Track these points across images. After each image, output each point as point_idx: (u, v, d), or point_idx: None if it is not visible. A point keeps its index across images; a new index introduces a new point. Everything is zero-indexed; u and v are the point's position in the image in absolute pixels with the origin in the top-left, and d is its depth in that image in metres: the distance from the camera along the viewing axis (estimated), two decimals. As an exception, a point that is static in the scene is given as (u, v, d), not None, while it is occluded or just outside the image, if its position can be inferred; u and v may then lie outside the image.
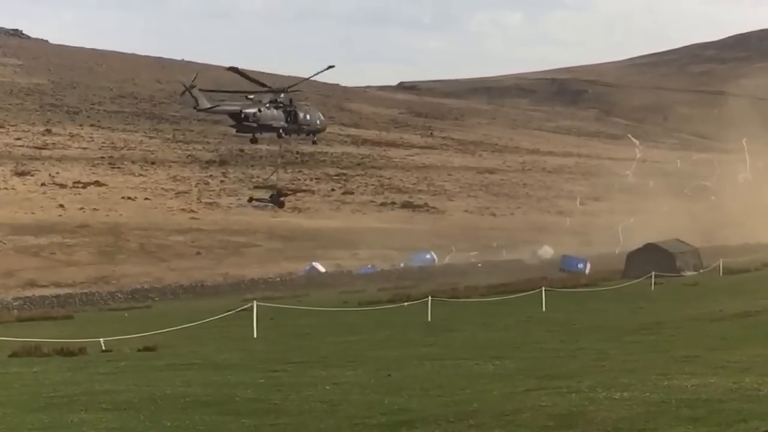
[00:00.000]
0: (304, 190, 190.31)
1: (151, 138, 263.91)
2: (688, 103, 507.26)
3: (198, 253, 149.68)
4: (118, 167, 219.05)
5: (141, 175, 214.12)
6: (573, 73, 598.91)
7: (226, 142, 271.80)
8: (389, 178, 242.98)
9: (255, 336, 52.78)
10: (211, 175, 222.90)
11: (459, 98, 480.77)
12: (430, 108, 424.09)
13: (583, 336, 45.34)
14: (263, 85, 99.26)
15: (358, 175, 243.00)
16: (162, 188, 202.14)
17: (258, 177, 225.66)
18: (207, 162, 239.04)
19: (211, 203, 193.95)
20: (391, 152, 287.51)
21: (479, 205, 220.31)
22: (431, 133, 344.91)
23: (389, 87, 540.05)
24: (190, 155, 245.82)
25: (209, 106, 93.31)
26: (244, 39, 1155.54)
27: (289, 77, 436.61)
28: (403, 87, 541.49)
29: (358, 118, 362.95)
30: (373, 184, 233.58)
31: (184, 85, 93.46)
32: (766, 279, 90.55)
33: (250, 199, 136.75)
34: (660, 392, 22.71)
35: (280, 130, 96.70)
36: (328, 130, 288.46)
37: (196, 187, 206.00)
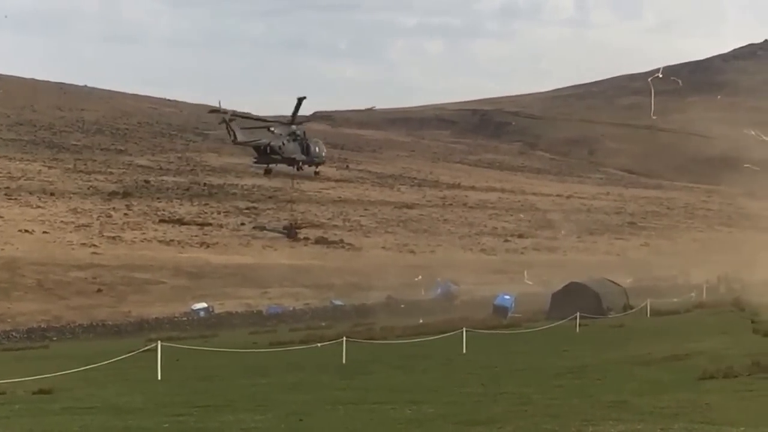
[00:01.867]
0: (316, 225, 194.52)
1: (50, 168, 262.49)
2: (616, 137, 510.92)
3: (99, 291, 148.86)
4: (15, 198, 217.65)
5: (39, 206, 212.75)
6: (496, 104, 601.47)
7: (130, 173, 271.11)
8: (302, 213, 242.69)
9: (159, 378, 52.59)
10: (114, 208, 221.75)
11: (376, 129, 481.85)
12: (346, 139, 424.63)
13: (505, 379, 45.57)
14: (292, 119, 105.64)
15: (269, 209, 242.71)
16: (61, 221, 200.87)
17: (164, 210, 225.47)
18: (110, 194, 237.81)
19: (113, 237, 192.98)
20: (305, 185, 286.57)
21: (397, 242, 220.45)
22: (347, 166, 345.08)
23: (303, 116, 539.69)
24: (91, 186, 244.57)
25: (246, 140, 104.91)
26: (151, 65, 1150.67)
27: (198, 105, 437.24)
28: (317, 116, 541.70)
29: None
30: (285, 219, 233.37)
31: (224, 119, 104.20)
32: (696, 321, 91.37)
33: (261, 228, 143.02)
34: (585, 439, 22.85)
35: (300, 162, 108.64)
36: (237, 160, 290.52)
37: (97, 220, 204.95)
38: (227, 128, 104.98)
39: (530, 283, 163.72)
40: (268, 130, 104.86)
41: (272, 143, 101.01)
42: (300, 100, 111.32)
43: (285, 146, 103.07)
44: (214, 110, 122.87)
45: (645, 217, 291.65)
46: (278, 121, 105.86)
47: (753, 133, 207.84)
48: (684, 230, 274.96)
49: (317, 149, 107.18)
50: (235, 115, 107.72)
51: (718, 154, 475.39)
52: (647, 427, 24.38)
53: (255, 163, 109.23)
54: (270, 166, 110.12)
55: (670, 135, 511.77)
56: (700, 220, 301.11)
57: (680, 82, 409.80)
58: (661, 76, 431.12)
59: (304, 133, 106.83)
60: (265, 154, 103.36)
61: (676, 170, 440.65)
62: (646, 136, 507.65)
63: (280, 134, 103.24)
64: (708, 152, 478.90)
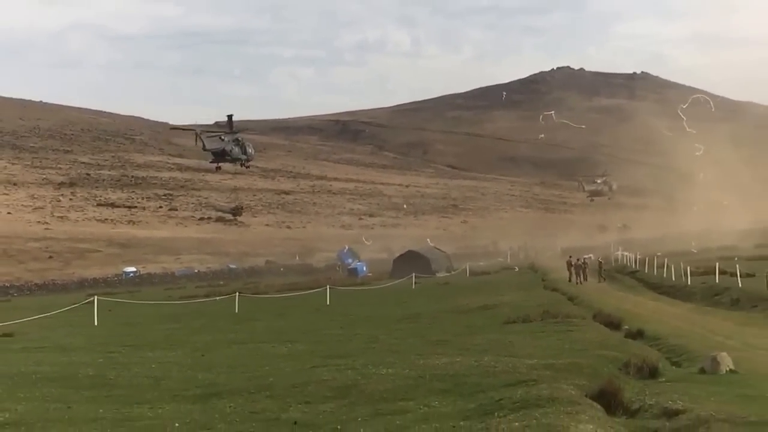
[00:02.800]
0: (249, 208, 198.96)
1: (13, 164, 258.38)
2: (443, 141, 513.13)
3: (50, 257, 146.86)
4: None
5: (5, 194, 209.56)
6: (353, 116, 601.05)
7: (75, 168, 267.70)
8: (206, 198, 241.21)
9: (96, 324, 51.93)
10: (62, 194, 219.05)
11: (262, 135, 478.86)
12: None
13: (358, 324, 45.43)
14: (230, 129, 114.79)
15: (181, 195, 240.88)
16: (22, 205, 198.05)
17: (101, 196, 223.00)
18: (59, 184, 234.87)
19: (61, 217, 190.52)
20: (208, 177, 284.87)
21: (277, 220, 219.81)
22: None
23: (207, 125, 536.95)
24: (45, 178, 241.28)
25: (210, 147, 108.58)
26: (91, 84, 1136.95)
27: (128, 116, 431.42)
28: (218, 125, 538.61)
29: (182, 149, 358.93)
30: (193, 203, 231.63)
31: (196, 132, 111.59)
32: (503, 280, 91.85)
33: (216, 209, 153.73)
34: (418, 369, 22.81)
35: (242, 161, 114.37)
36: (157, 158, 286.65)
37: (50, 204, 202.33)
38: (197, 139, 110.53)
39: (368, 242, 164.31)
40: (220, 138, 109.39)
41: (225, 148, 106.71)
42: (230, 117, 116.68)
43: (233, 150, 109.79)
44: (176, 128, 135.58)
45: (464, 201, 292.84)
46: (222, 131, 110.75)
47: (562, 121, 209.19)
48: (494, 211, 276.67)
49: (250, 151, 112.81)
50: (195, 131, 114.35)
51: (519, 154, 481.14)
52: (464, 360, 24.36)
53: (211, 162, 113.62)
54: (219, 164, 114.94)
55: (483, 139, 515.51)
56: (506, 203, 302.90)
57: (503, 96, 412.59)
58: (504, 96, 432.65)
59: (242, 139, 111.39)
60: (219, 156, 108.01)
61: (488, 165, 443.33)
62: (466, 140, 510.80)
63: (228, 141, 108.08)
64: (511, 152, 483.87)
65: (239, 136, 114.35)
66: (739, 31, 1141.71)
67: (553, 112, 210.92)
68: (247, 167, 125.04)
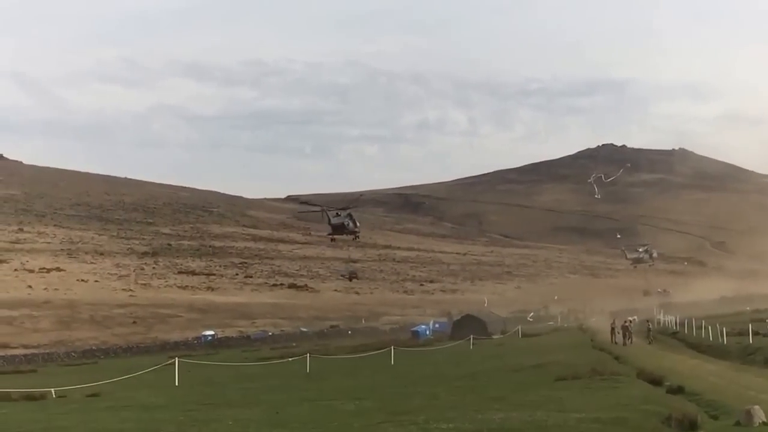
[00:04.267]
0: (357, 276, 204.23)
1: (100, 235, 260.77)
2: (496, 212, 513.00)
3: (134, 322, 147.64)
4: (75, 257, 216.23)
5: (92, 263, 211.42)
6: (415, 190, 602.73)
7: (157, 238, 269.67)
8: (279, 266, 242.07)
9: (177, 384, 52.15)
10: (145, 263, 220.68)
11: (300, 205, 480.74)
12: (310, 214, 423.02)
13: (420, 382, 45.34)
14: (320, 207, 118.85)
15: (255, 263, 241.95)
16: (108, 273, 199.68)
17: (181, 264, 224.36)
18: (143, 253, 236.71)
19: (145, 284, 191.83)
20: (281, 246, 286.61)
21: (346, 286, 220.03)
22: (310, 233, 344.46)
23: (279, 198, 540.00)
24: (129, 248, 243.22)
25: (335, 222, 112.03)
26: (171, 161, 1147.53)
27: (205, 191, 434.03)
28: (290, 198, 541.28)
29: (256, 221, 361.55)
30: (266, 270, 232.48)
31: (322, 207, 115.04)
32: (553, 341, 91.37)
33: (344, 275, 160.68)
34: (476, 423, 22.80)
35: (356, 234, 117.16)
36: (233, 229, 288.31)
37: (133, 272, 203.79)
38: (323, 214, 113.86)
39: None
40: (337, 214, 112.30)
41: (344, 222, 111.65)
42: (349, 208, 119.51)
43: (348, 225, 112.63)
44: (305, 203, 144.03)
45: (517, 268, 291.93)
46: (334, 207, 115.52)
47: (597, 196, 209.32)
48: (544, 277, 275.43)
49: (358, 224, 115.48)
50: (322, 207, 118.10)
51: (566, 223, 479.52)
52: (519, 415, 24.34)
53: (329, 234, 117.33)
54: (335, 237, 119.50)
55: (533, 211, 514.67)
56: (555, 270, 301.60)
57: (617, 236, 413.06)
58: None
59: (353, 214, 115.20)
60: (339, 230, 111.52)
61: (538, 235, 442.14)
62: (517, 211, 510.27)
63: (344, 216, 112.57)
64: (559, 222, 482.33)
65: (351, 212, 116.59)
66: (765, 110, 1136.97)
67: (602, 175, 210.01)
68: (358, 239, 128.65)
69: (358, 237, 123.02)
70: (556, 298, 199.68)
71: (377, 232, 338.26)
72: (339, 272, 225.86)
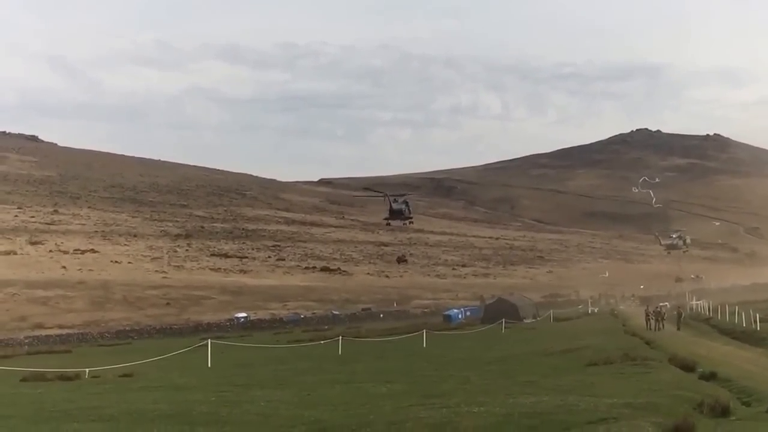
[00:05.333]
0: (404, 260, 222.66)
1: (133, 217, 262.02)
2: (529, 197, 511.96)
3: (168, 304, 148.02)
4: (108, 239, 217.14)
5: (125, 245, 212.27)
6: (447, 174, 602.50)
7: (190, 221, 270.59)
8: (311, 249, 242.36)
9: (209, 365, 52.29)
10: (178, 245, 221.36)
11: (363, 191, 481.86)
12: (342, 198, 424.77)
13: (452, 366, 45.25)
14: (383, 193, 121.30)
15: (288, 246, 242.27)
16: (141, 255, 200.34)
17: (214, 247, 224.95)
18: (176, 236, 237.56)
19: (178, 266, 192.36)
20: (313, 230, 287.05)
21: (377, 269, 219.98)
22: (343, 216, 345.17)
23: (312, 182, 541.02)
24: (163, 230, 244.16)
25: (395, 208, 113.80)
26: (204, 144, 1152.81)
27: (238, 173, 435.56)
28: (322, 182, 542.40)
29: (289, 204, 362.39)
30: (299, 253, 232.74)
31: (386, 194, 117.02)
32: (584, 325, 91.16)
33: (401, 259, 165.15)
34: (507, 407, 22.73)
35: (410, 220, 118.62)
36: (266, 212, 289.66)
37: (167, 254, 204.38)
38: (386, 200, 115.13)
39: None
40: (395, 200, 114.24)
41: (401, 209, 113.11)
42: (405, 195, 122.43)
43: (405, 211, 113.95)
44: (368, 188, 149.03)
45: (549, 253, 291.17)
46: (393, 194, 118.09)
47: (635, 189, 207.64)
48: (576, 262, 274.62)
49: (411, 209, 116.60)
50: (386, 193, 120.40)
51: (599, 209, 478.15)
52: (550, 399, 24.24)
53: (384, 218, 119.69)
54: (390, 222, 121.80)
55: (566, 196, 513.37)
56: (587, 255, 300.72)
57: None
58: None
59: (409, 201, 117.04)
60: (397, 215, 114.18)
61: (571, 220, 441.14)
62: (550, 196, 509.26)
63: (401, 203, 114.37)
64: (591, 208, 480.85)
65: (407, 199, 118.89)
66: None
67: (646, 179, 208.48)
68: (412, 223, 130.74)
69: (412, 222, 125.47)
70: (606, 274, 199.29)
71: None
72: (385, 258, 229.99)
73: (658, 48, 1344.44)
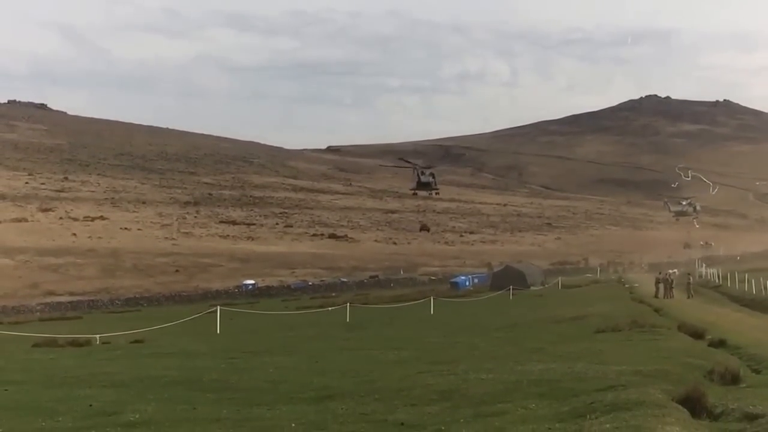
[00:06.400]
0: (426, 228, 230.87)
1: (143, 184, 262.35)
2: (537, 164, 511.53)
3: (177, 271, 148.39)
4: (118, 206, 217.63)
5: (135, 212, 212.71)
6: (454, 141, 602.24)
7: (198, 188, 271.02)
8: (319, 216, 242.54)
9: (218, 332, 52.39)
10: (187, 212, 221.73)
11: (370, 158, 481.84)
12: (350, 165, 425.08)
13: (459, 333, 45.28)
14: (413, 164, 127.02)
15: (296, 214, 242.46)
16: (150, 222, 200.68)
17: (222, 214, 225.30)
18: (185, 203, 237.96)
19: (187, 233, 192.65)
20: (321, 197, 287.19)
21: (385, 237, 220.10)
22: (350, 183, 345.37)
23: (320, 149, 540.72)
24: (172, 197, 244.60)
25: (424, 180, 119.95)
26: (213, 112, 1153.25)
27: (247, 141, 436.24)
28: (330, 149, 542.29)
29: (296, 171, 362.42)
30: (307, 221, 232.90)
31: (414, 166, 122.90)
32: (593, 293, 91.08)
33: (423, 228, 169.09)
34: (515, 374, 22.72)
35: (436, 191, 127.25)
36: (273, 179, 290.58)
37: (176, 221, 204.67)
38: (414, 171, 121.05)
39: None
40: (422, 172, 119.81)
41: (429, 181, 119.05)
42: (431, 167, 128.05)
43: (431, 182, 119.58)
44: (402, 159, 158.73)
45: (557, 220, 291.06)
46: (420, 166, 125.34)
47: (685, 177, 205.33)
48: (584, 229, 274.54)
49: (437, 179, 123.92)
50: (416, 165, 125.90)
51: (607, 175, 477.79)
52: (558, 366, 24.21)
53: (411, 189, 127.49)
54: (416, 192, 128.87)
55: (574, 162, 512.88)
56: (595, 221, 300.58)
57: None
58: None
59: (434, 173, 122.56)
60: (424, 187, 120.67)
61: (579, 186, 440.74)
62: (558, 163, 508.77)
63: (428, 174, 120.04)
64: (600, 174, 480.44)
65: (433, 171, 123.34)
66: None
67: (688, 170, 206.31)
68: (437, 194, 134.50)
69: (438, 193, 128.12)
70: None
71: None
72: (407, 227, 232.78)
73: (669, 11, 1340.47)
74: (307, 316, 70.79)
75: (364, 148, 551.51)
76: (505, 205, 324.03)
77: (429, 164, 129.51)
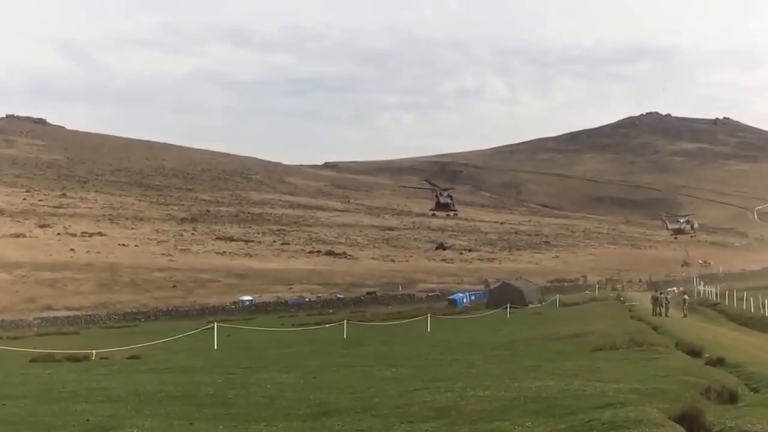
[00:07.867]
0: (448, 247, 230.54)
1: (140, 201, 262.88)
2: (535, 182, 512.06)
3: (174, 286, 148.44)
4: (116, 222, 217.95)
5: (132, 228, 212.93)
6: (452, 158, 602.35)
7: (196, 204, 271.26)
8: (316, 233, 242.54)
9: (215, 348, 52.44)
10: (184, 229, 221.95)
11: (368, 175, 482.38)
12: (347, 182, 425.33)
13: (457, 350, 45.32)
14: (433, 185, 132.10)
15: (293, 231, 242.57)
16: (148, 238, 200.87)
17: (219, 230, 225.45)
18: (182, 219, 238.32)
19: (184, 249, 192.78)
20: (318, 214, 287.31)
21: (382, 254, 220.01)
22: (348, 200, 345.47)
23: (317, 165, 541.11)
24: (168, 214, 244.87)
25: (443, 202, 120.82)
26: (210, 127, 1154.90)
27: (245, 157, 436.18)
28: (327, 166, 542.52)
29: (294, 188, 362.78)
30: (304, 237, 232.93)
31: (434, 188, 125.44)
32: (591, 310, 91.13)
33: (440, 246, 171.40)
34: (512, 391, 22.75)
35: (455, 212, 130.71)
36: (271, 196, 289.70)
37: (173, 237, 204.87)
38: (434, 194, 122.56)
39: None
40: (440, 193, 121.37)
41: (447, 202, 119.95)
42: (449, 189, 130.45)
43: (450, 203, 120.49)
44: (427, 180, 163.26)
45: (555, 238, 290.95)
46: (438, 186, 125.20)
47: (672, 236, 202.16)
48: (582, 247, 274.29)
49: (454, 202, 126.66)
50: (437, 186, 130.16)
51: (606, 194, 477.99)
52: (556, 384, 24.24)
53: (431, 210, 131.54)
54: (435, 212, 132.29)
55: (573, 180, 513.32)
56: (594, 240, 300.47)
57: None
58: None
59: (452, 195, 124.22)
60: (443, 208, 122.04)
61: (577, 205, 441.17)
62: (557, 181, 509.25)
63: (446, 195, 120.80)
64: (598, 192, 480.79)
65: (450, 193, 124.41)
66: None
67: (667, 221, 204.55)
68: (456, 215, 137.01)
69: (456, 214, 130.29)
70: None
71: (413, 200, 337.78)
72: (436, 242, 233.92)
73: (670, 28, 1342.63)
74: (304, 333, 70.83)
75: (362, 164, 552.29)
76: (502, 222, 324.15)
77: (447, 186, 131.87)
